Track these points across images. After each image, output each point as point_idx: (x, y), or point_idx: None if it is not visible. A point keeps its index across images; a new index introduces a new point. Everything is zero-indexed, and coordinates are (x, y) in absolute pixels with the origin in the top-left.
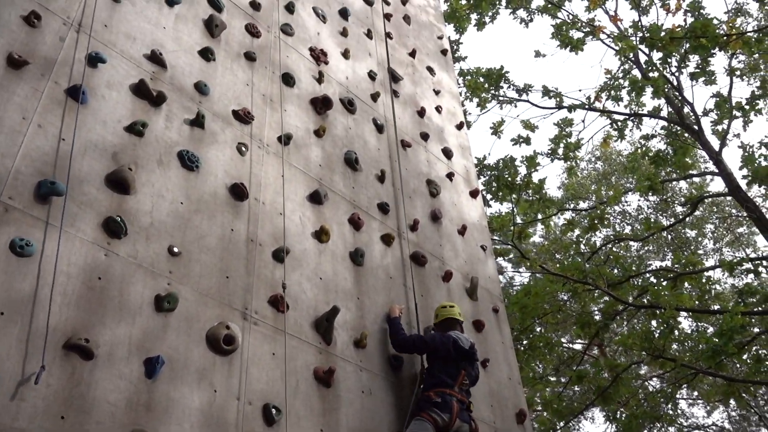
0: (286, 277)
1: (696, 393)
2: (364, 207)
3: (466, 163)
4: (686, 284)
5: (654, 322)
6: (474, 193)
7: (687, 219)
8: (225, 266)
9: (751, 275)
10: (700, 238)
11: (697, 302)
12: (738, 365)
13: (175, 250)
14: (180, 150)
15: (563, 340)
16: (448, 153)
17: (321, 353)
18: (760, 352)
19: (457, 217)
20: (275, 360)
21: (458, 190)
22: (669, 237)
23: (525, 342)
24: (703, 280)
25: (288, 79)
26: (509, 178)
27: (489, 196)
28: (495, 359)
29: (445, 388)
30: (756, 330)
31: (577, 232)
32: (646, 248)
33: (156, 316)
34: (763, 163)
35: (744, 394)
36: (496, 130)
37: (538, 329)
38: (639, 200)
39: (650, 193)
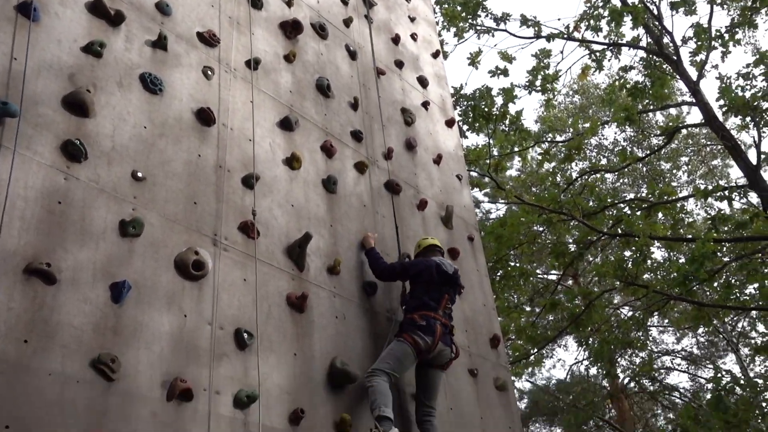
0: (257, 203)
1: (666, 320)
2: (336, 134)
3: (442, 92)
4: (660, 214)
5: (627, 252)
6: (450, 123)
7: (662, 150)
8: (192, 192)
9: (725, 202)
10: (674, 171)
11: (670, 232)
12: (708, 293)
13: (139, 174)
14: (142, 72)
15: (538, 271)
16: (423, 81)
17: (294, 279)
18: (730, 278)
19: (433, 146)
20: (247, 286)
21: (434, 119)
22: (644, 169)
23: (500, 272)
24: (677, 210)
25: (255, 2)
26: (486, 109)
27: (465, 127)
28: (470, 286)
29: (429, 311)
30: (726, 259)
31: (553, 164)
32: (621, 180)
33: (121, 241)
34: (740, 94)
35: (713, 320)
36: (474, 60)
37: (514, 262)
38: (615, 133)
39: (627, 124)
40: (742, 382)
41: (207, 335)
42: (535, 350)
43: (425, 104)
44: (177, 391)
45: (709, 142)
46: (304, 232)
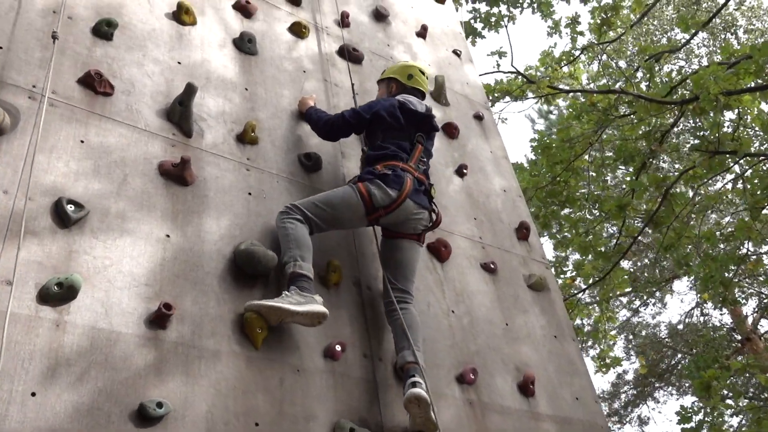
0: (118, 57)
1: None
2: None
3: None
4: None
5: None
6: None
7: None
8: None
9: None
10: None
11: (755, 82)
12: None
13: None
14: None
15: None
16: None
17: (174, 146)
18: None
19: (413, 20)
20: (84, 148)
21: None
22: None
23: (564, 196)
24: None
25: None
26: None
27: (480, 25)
28: (480, 169)
29: (397, 161)
30: None
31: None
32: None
33: None
34: None
35: None
36: None
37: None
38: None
39: None
40: None
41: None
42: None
43: None
44: None
45: None
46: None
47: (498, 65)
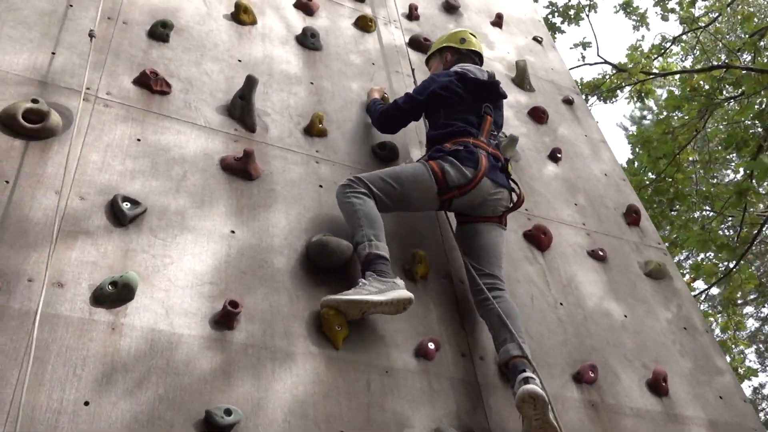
0: (175, 59)
1: None
2: None
3: None
4: None
5: None
6: None
7: None
8: (50, 43)
9: None
10: None
11: None
12: None
13: None
14: None
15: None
16: None
17: (237, 141)
18: None
19: (486, 9)
20: (141, 146)
21: None
22: None
23: (671, 192)
24: None
25: None
26: None
27: (559, 19)
28: (575, 154)
29: (466, 137)
30: None
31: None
32: None
33: None
34: None
35: None
36: None
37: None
38: None
39: None
40: None
41: (45, 207)
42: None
43: None
44: None
45: None
46: (261, 90)
47: (583, 57)
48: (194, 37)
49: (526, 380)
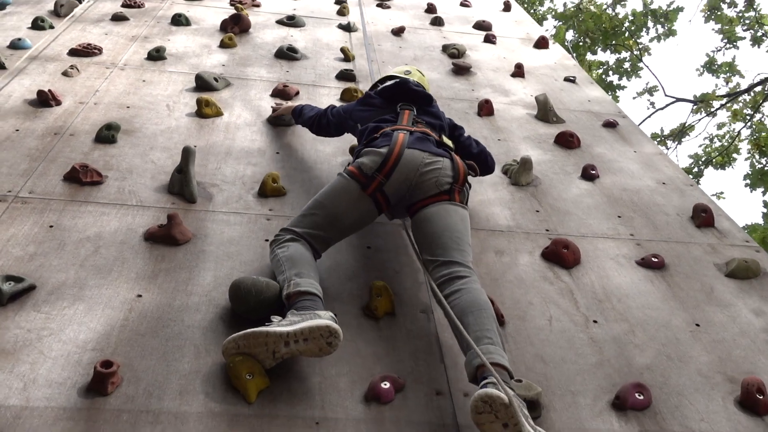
0: (119, 155)
1: None
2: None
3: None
4: None
5: None
6: (541, 43)
7: None
8: None
9: None
10: None
11: None
12: None
13: None
14: None
15: None
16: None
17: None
18: None
19: (506, 64)
20: (52, 231)
21: (508, 46)
22: None
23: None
24: None
25: None
26: None
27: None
28: (619, 170)
29: (383, 129)
30: None
31: None
32: None
33: None
34: None
35: None
36: None
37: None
38: None
39: None
40: None
41: None
42: None
43: (489, 38)
44: None
45: None
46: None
47: (652, 104)
48: (147, 135)
49: (484, 386)
